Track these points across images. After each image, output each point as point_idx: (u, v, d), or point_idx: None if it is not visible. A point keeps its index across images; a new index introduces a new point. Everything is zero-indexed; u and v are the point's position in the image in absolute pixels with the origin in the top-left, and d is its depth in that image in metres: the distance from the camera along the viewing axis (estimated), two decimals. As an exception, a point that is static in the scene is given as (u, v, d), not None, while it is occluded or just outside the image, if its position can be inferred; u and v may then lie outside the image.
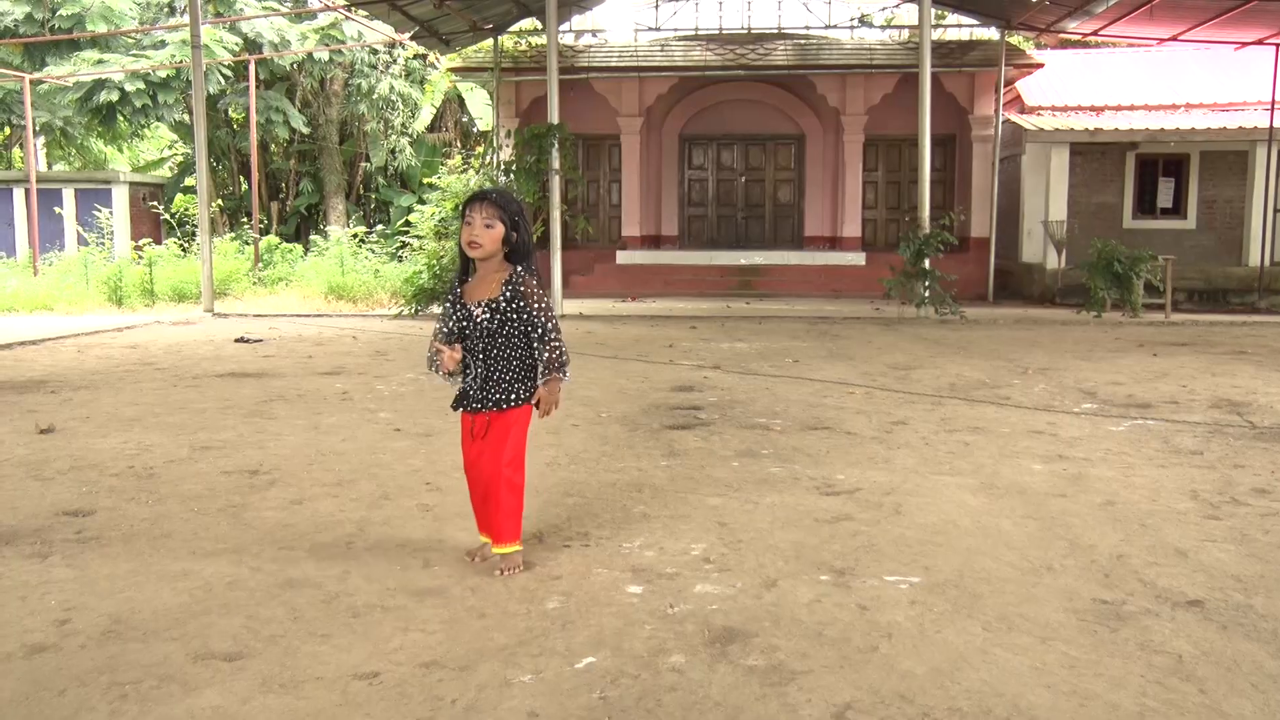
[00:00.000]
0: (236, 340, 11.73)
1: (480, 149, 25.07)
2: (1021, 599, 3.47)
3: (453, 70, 21.98)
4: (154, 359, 10.03)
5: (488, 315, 3.65)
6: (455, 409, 3.79)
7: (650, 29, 21.57)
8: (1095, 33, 18.32)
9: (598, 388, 8.13)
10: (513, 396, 3.66)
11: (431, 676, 2.88)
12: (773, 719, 2.63)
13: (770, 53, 20.23)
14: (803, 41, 20.94)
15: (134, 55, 22.46)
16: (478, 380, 3.69)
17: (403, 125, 25.65)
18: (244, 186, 25.50)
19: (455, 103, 27.63)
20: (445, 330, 3.74)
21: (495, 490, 3.68)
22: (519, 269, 3.67)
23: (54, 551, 3.99)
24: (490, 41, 19.90)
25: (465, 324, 3.69)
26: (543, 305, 3.66)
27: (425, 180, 24.57)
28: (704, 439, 6.14)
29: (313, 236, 22.11)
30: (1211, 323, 14.45)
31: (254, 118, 21.54)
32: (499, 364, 3.67)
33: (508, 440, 3.68)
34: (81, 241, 21.06)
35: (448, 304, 3.77)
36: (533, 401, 3.70)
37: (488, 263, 3.69)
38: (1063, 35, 19.84)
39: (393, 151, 25.40)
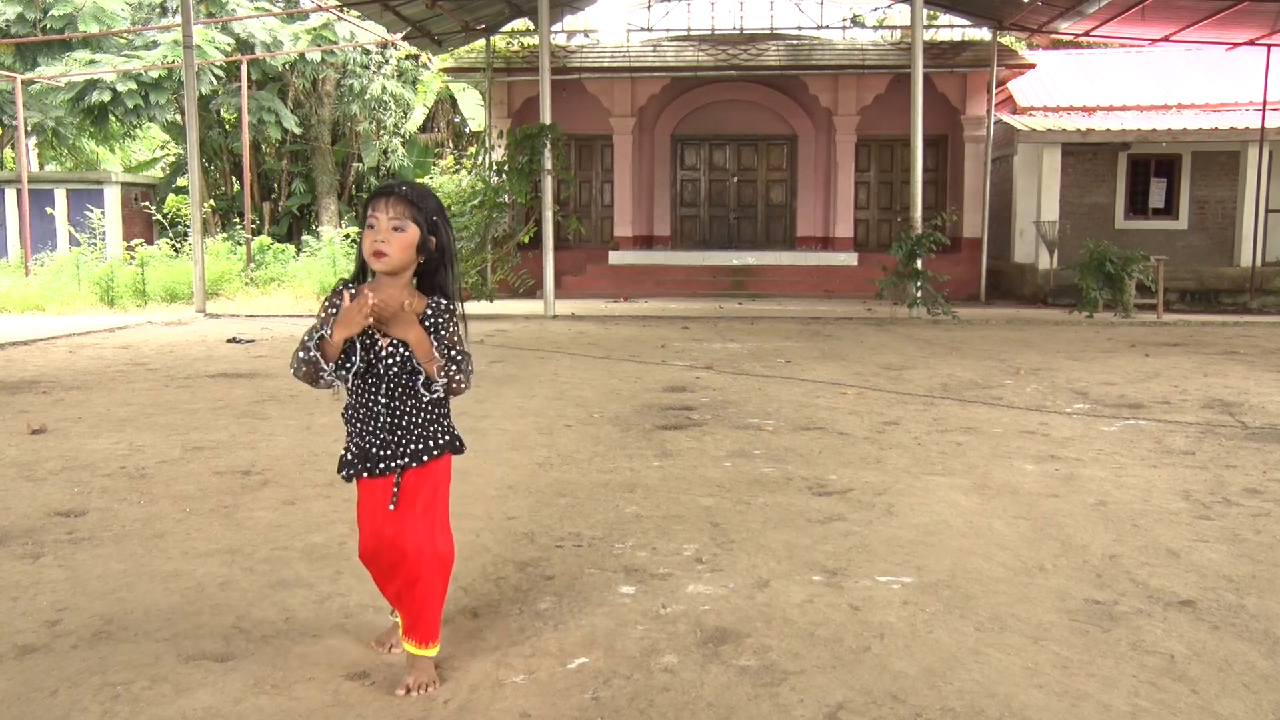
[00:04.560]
0: (229, 341, 11.71)
1: (472, 149, 25.09)
2: (1014, 599, 3.47)
3: (445, 71, 21.97)
4: (146, 359, 10.01)
5: (397, 356, 2.78)
6: (349, 478, 2.87)
7: (642, 29, 21.58)
8: (1087, 33, 18.37)
9: (590, 388, 8.12)
10: (432, 444, 2.86)
11: (424, 677, 2.87)
12: (765, 719, 2.63)
13: (762, 53, 20.25)
14: (795, 42, 20.97)
15: (126, 56, 22.41)
16: (382, 430, 2.83)
17: (395, 125, 25.64)
18: (236, 187, 25.46)
19: (447, 103, 27.64)
20: (320, 340, 2.72)
21: (422, 571, 2.82)
22: (440, 301, 2.82)
23: (46, 552, 3.98)
24: (482, 42, 19.88)
25: (364, 355, 2.79)
26: (462, 347, 2.84)
27: (418, 180, 24.64)
28: (696, 439, 6.14)
29: (305, 237, 22.11)
30: (1203, 323, 14.49)
31: (246, 118, 21.50)
32: (409, 403, 2.84)
33: (436, 502, 2.88)
34: (73, 242, 21.02)
35: (327, 315, 2.77)
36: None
37: (395, 278, 2.79)
38: (1054, 36, 19.90)
39: (385, 152, 25.39)
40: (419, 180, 24.01)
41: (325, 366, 2.73)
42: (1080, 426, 6.59)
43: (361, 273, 2.86)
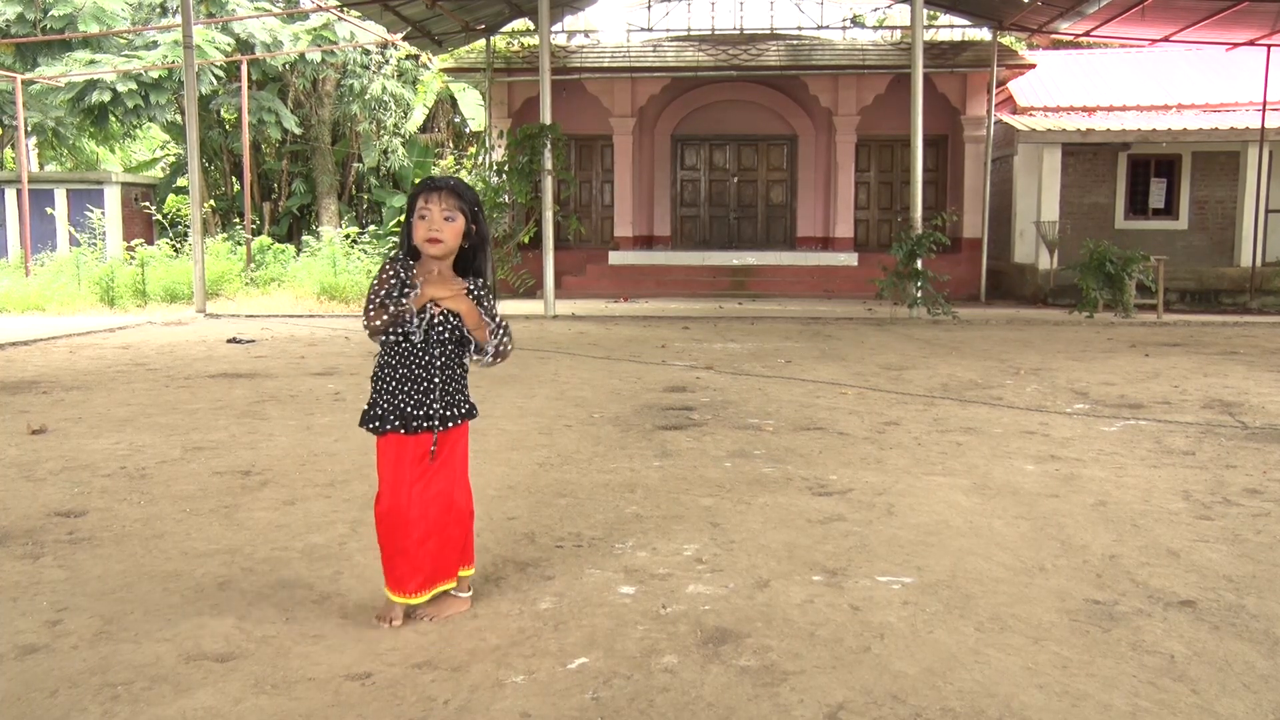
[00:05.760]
0: (229, 341, 11.71)
1: (473, 149, 25.10)
2: (1014, 599, 3.47)
3: (445, 71, 21.97)
4: (146, 359, 10.01)
5: (448, 325, 3.18)
6: (377, 431, 3.19)
7: (642, 29, 21.58)
8: (1087, 33, 18.37)
9: (590, 388, 8.12)
10: (456, 411, 3.24)
11: (424, 677, 2.87)
12: (765, 719, 2.63)
13: (763, 53, 20.25)
14: (795, 42, 20.97)
15: (126, 56, 22.41)
16: (429, 393, 3.18)
17: (395, 126, 25.63)
18: (236, 187, 25.46)
19: (447, 103, 27.62)
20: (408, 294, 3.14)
21: (439, 528, 3.22)
22: (481, 281, 3.24)
23: (46, 552, 3.98)
24: (482, 42, 19.89)
25: (417, 321, 3.16)
26: (501, 318, 3.26)
27: (418, 181, 24.62)
28: (696, 439, 6.14)
29: (305, 237, 22.09)
30: (1203, 323, 14.49)
31: (246, 118, 21.49)
32: (447, 372, 3.22)
33: (458, 465, 3.29)
34: (73, 242, 21.02)
35: (393, 280, 3.16)
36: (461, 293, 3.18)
37: (441, 262, 3.20)
38: (1055, 36, 19.90)
39: (385, 152, 25.38)
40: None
41: (413, 315, 3.13)
42: (1080, 426, 6.59)
43: (408, 250, 3.25)
